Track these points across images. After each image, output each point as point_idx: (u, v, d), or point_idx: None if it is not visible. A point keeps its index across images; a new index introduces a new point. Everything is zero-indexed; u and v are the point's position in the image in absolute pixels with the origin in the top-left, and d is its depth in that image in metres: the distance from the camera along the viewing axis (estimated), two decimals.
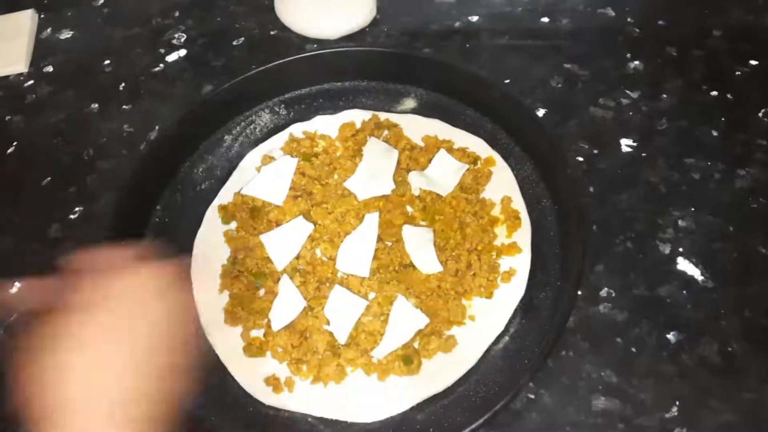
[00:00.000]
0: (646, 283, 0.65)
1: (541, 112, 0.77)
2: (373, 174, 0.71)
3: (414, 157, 0.73)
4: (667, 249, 0.67)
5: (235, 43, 0.88)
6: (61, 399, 0.41)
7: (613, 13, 0.86)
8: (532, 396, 0.60)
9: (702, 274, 0.65)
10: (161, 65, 0.87)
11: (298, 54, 0.79)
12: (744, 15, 0.84)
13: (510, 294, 0.64)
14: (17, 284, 0.69)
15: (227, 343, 0.64)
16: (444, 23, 0.87)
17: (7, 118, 0.84)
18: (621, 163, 0.73)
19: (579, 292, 0.63)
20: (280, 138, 0.77)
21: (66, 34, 0.92)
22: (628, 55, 0.82)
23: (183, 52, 0.88)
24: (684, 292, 0.65)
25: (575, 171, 0.72)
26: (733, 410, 0.58)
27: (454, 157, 0.72)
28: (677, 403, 0.59)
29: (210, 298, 0.67)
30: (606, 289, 0.65)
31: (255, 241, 0.68)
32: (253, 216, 0.70)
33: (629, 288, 0.65)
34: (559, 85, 0.80)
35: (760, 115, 0.75)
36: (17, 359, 0.44)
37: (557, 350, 0.62)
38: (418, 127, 0.76)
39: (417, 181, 0.71)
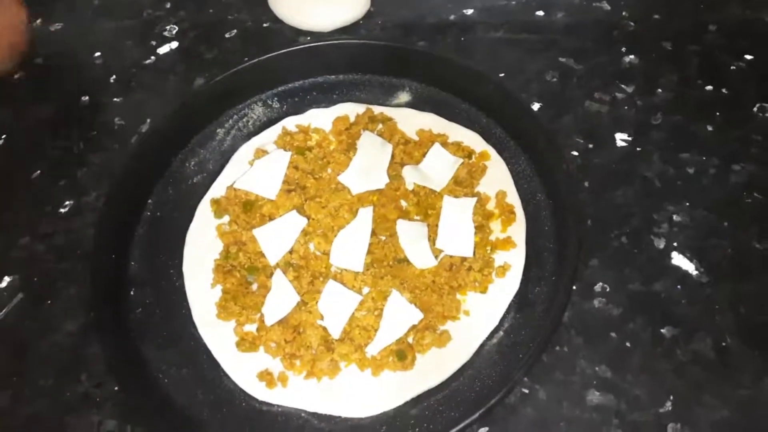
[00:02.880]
0: (640, 278, 0.65)
1: (536, 107, 0.77)
2: (367, 168, 0.71)
3: (408, 151, 0.72)
4: (661, 244, 0.67)
5: (227, 35, 0.87)
6: None
7: (609, 7, 0.86)
8: (527, 391, 0.60)
9: (696, 269, 0.65)
10: (153, 58, 0.86)
11: (292, 47, 0.78)
12: (740, 10, 0.84)
13: (504, 289, 0.64)
14: (6, 279, 0.69)
15: (219, 338, 0.63)
16: (439, 16, 0.87)
17: None
18: (616, 157, 0.73)
19: (574, 287, 0.63)
20: (274, 131, 0.76)
21: (56, 26, 0.91)
22: (624, 50, 0.81)
23: (175, 45, 0.87)
24: (678, 287, 0.64)
25: (570, 165, 0.71)
26: (727, 406, 0.58)
27: (448, 151, 0.72)
28: (671, 398, 0.59)
29: (202, 292, 0.66)
30: (601, 284, 0.65)
31: (248, 235, 0.68)
32: (245, 210, 0.70)
33: (624, 283, 0.65)
34: (554, 80, 0.79)
35: (755, 110, 0.75)
36: None
37: (552, 345, 0.62)
38: (412, 121, 0.75)
39: (411, 176, 0.70)
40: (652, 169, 0.72)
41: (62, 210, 0.74)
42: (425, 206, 0.69)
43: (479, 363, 0.61)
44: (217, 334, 0.64)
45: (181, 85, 0.83)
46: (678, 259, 0.66)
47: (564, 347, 0.62)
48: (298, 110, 0.78)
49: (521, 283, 0.64)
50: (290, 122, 0.77)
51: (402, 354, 0.60)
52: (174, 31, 0.89)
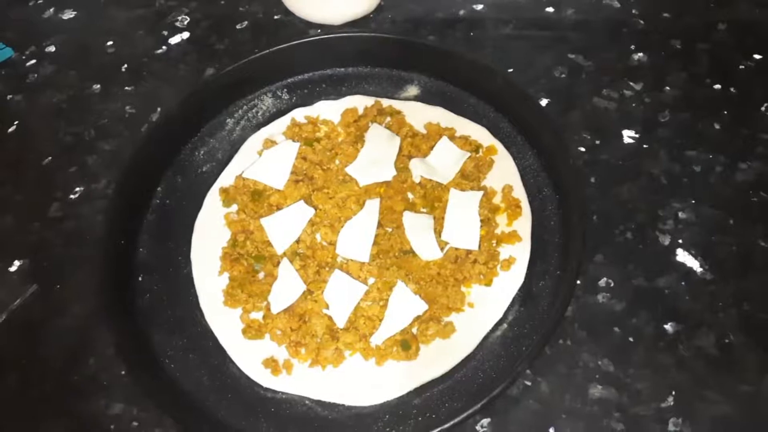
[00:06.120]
0: (645, 273, 0.65)
1: (544, 102, 0.77)
2: (374, 160, 0.71)
3: (416, 144, 0.73)
4: (666, 240, 0.67)
5: (238, 26, 0.88)
6: None
7: (618, 5, 0.86)
8: (529, 383, 0.60)
9: (701, 266, 0.65)
10: (164, 47, 0.87)
11: (302, 39, 0.79)
12: (750, 9, 0.84)
13: (509, 282, 0.64)
14: (17, 263, 0.70)
15: (226, 325, 0.64)
16: (449, 11, 0.87)
17: (9, 97, 0.84)
18: (623, 154, 0.73)
19: (578, 282, 0.63)
20: (282, 122, 0.77)
21: (68, 14, 0.92)
22: (633, 47, 0.82)
23: (186, 35, 0.88)
24: (683, 283, 0.65)
25: (577, 161, 0.72)
26: (729, 402, 0.59)
27: (456, 145, 0.72)
28: (673, 393, 0.59)
29: (209, 280, 0.67)
30: (605, 279, 0.65)
31: (255, 224, 0.68)
32: (253, 199, 0.70)
33: (628, 278, 0.65)
34: (563, 75, 0.80)
35: (763, 109, 0.75)
36: None
37: (555, 338, 0.62)
38: (420, 115, 0.76)
39: (418, 168, 0.71)
40: (658, 166, 0.72)
41: (72, 196, 0.75)
42: (432, 199, 0.69)
43: (482, 355, 0.61)
44: (223, 321, 0.64)
45: (191, 75, 0.84)
46: (683, 256, 0.66)
47: (567, 341, 0.62)
48: (307, 102, 0.78)
49: (526, 276, 0.65)
50: (299, 113, 0.77)
51: (406, 344, 0.61)
52: (186, 22, 0.89)
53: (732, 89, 0.77)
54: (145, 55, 0.86)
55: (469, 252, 0.65)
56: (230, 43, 0.86)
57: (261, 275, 0.66)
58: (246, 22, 0.88)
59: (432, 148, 0.72)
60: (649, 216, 0.69)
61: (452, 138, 0.73)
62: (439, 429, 0.55)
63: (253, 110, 0.79)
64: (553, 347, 0.62)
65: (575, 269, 0.61)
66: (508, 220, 0.68)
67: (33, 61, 0.87)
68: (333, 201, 0.69)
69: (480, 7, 0.87)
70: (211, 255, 0.68)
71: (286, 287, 0.64)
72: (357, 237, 0.66)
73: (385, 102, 0.77)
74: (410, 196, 0.70)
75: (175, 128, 0.75)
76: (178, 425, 0.59)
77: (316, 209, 0.69)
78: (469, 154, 0.71)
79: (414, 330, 0.62)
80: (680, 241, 0.67)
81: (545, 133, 0.70)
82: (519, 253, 0.66)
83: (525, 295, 0.64)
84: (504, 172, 0.71)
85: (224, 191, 0.72)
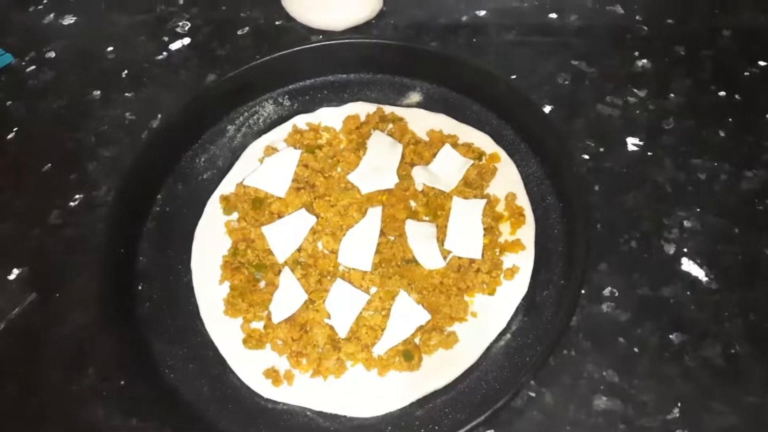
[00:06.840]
0: (649, 283, 0.65)
1: (547, 109, 0.77)
2: (376, 167, 0.70)
3: (418, 151, 0.72)
4: (671, 249, 0.67)
5: (239, 32, 0.88)
6: None
7: (622, 11, 0.86)
8: (533, 394, 0.60)
9: (706, 275, 0.65)
10: (165, 53, 0.87)
11: (304, 45, 0.79)
12: (754, 15, 0.84)
13: (513, 291, 0.64)
14: (16, 271, 0.69)
15: (226, 335, 0.64)
16: (451, 17, 0.87)
17: (9, 103, 0.84)
18: (627, 161, 0.73)
19: (582, 291, 0.62)
20: (284, 129, 0.76)
21: (69, 20, 0.91)
22: (636, 54, 0.81)
23: (187, 41, 0.88)
24: (688, 293, 0.64)
25: (581, 169, 0.71)
26: (735, 413, 0.58)
27: (458, 152, 0.71)
28: (679, 404, 0.58)
29: (210, 289, 0.66)
30: (609, 288, 0.65)
31: (256, 232, 0.68)
32: (254, 207, 0.70)
33: (633, 288, 0.65)
34: (566, 82, 0.79)
35: None
36: None
37: (559, 349, 0.61)
38: (423, 122, 0.75)
39: (421, 176, 0.70)
40: (663, 173, 0.71)
41: (72, 203, 0.74)
42: (434, 207, 0.68)
43: (486, 365, 0.61)
44: (224, 331, 0.64)
45: (192, 81, 0.83)
46: (688, 265, 0.66)
47: (571, 351, 0.62)
48: (308, 108, 0.78)
49: (529, 286, 0.64)
50: (301, 120, 0.77)
51: (408, 354, 0.60)
52: (186, 27, 0.89)
53: (737, 96, 0.77)
54: (145, 60, 0.86)
55: (472, 261, 0.65)
56: (231, 49, 0.86)
57: (262, 284, 0.66)
58: (247, 28, 0.88)
59: (434, 155, 0.72)
60: (654, 224, 0.68)
61: (455, 145, 0.72)
62: None
63: (254, 117, 0.78)
64: (557, 358, 0.61)
65: (579, 278, 0.61)
66: (512, 228, 0.67)
67: (33, 67, 0.87)
68: (335, 209, 0.68)
69: (483, 13, 0.87)
70: (212, 263, 0.67)
71: (288, 296, 0.64)
72: (359, 245, 0.66)
73: (388, 109, 0.76)
74: (413, 204, 0.69)
75: (175, 135, 0.74)
76: None
77: (317, 217, 0.68)
78: (472, 162, 0.71)
79: (416, 340, 0.62)
80: (685, 249, 0.66)
81: (549, 140, 0.70)
82: (522, 262, 0.65)
83: (529, 305, 0.63)
84: (507, 180, 0.71)
85: (225, 199, 0.71)
